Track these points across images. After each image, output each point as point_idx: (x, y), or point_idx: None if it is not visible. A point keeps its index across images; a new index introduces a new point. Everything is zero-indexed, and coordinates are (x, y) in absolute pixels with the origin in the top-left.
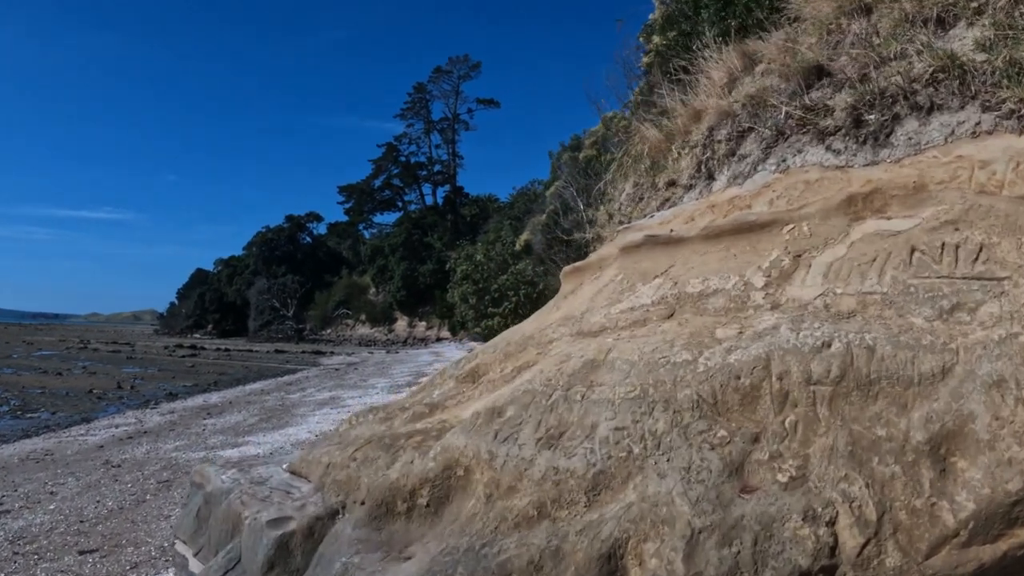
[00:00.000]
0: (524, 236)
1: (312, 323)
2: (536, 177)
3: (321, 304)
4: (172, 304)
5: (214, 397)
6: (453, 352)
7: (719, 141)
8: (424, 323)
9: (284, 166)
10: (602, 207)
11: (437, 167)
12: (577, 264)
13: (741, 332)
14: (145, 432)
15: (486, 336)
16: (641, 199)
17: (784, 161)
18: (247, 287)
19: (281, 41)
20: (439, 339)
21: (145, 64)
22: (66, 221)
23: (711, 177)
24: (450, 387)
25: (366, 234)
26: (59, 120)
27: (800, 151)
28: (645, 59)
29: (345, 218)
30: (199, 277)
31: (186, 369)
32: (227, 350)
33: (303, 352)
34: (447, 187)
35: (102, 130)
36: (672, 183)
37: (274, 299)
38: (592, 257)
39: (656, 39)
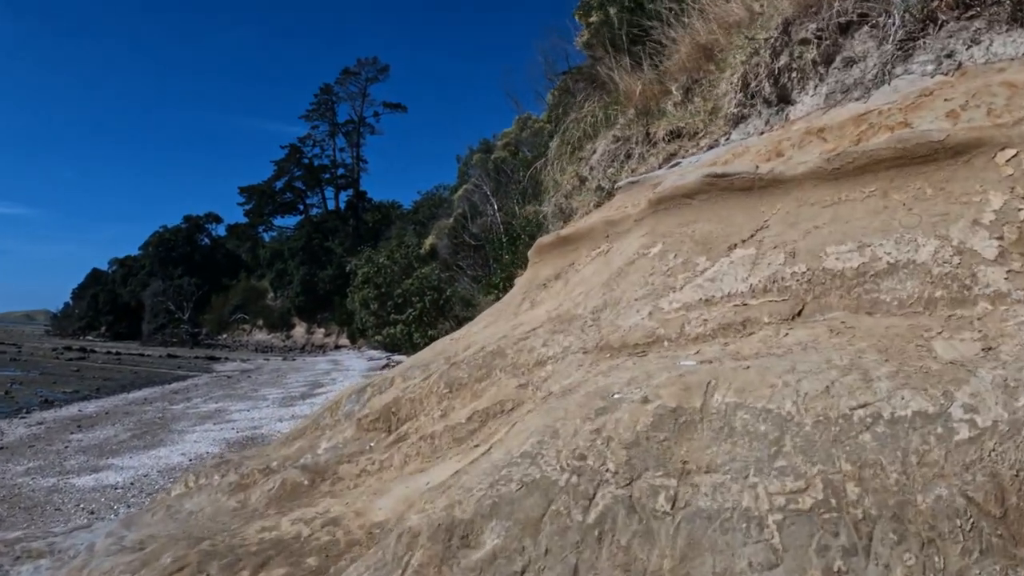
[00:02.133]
0: (429, 240)
1: (208, 327)
2: (442, 182)
3: (218, 308)
4: (66, 304)
5: (91, 406)
6: (352, 361)
7: (804, 42)
8: (323, 330)
9: (186, 165)
10: (567, 170)
11: (341, 171)
12: (561, 233)
13: (991, 347)
14: (1, 448)
15: (388, 345)
16: (629, 156)
17: (951, 57)
18: (142, 288)
19: (187, 37)
20: (338, 347)
21: (42, 52)
22: None
23: (785, 100)
24: (348, 436)
25: (266, 237)
26: None
27: (976, 41)
28: (582, 38)
29: (245, 220)
30: (94, 277)
31: (71, 373)
32: (118, 354)
33: (196, 357)
34: (350, 191)
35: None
36: (676, 133)
37: (169, 302)
38: (587, 221)
39: (595, 15)
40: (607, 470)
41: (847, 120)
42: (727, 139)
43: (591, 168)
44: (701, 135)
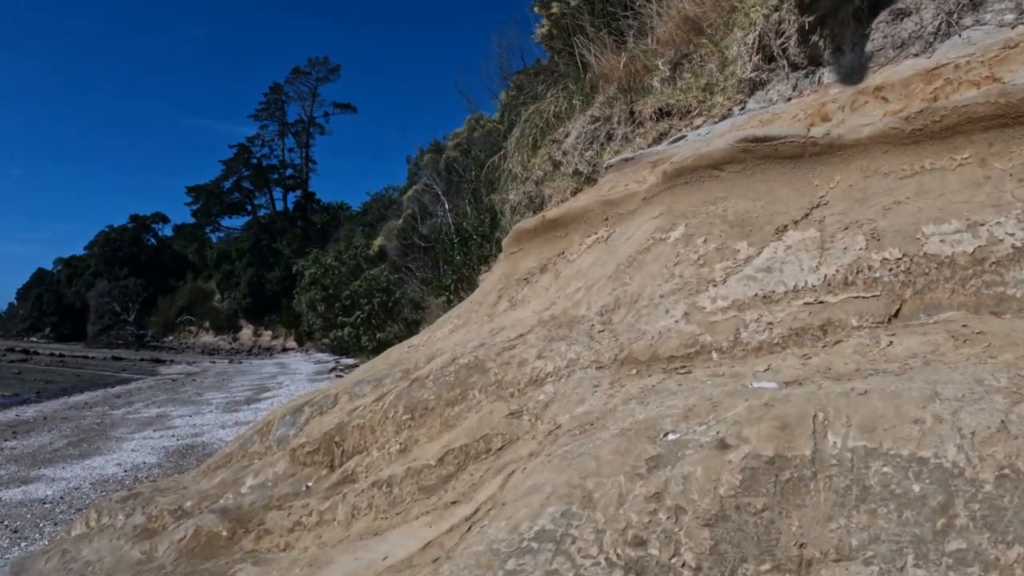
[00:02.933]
0: (378, 241)
1: (154, 329)
2: (392, 183)
3: (164, 309)
4: (10, 305)
5: (30, 411)
6: (300, 364)
7: None
8: (270, 332)
9: (134, 165)
10: (538, 154)
11: (289, 171)
12: (547, 216)
13: None
14: None
15: (335, 348)
16: (610, 137)
17: None
18: (87, 289)
19: (140, 37)
20: (285, 349)
21: None
22: None
23: (816, 61)
24: (280, 470)
25: (213, 238)
26: None
27: None
28: (542, 30)
29: (192, 220)
30: (39, 277)
31: (11, 376)
32: (61, 356)
33: (142, 360)
34: (299, 192)
35: None
36: (665, 111)
37: (115, 303)
38: (577, 202)
39: (555, 6)
40: (684, 566)
41: (913, 76)
42: (742, 108)
43: (564, 152)
44: (695, 112)
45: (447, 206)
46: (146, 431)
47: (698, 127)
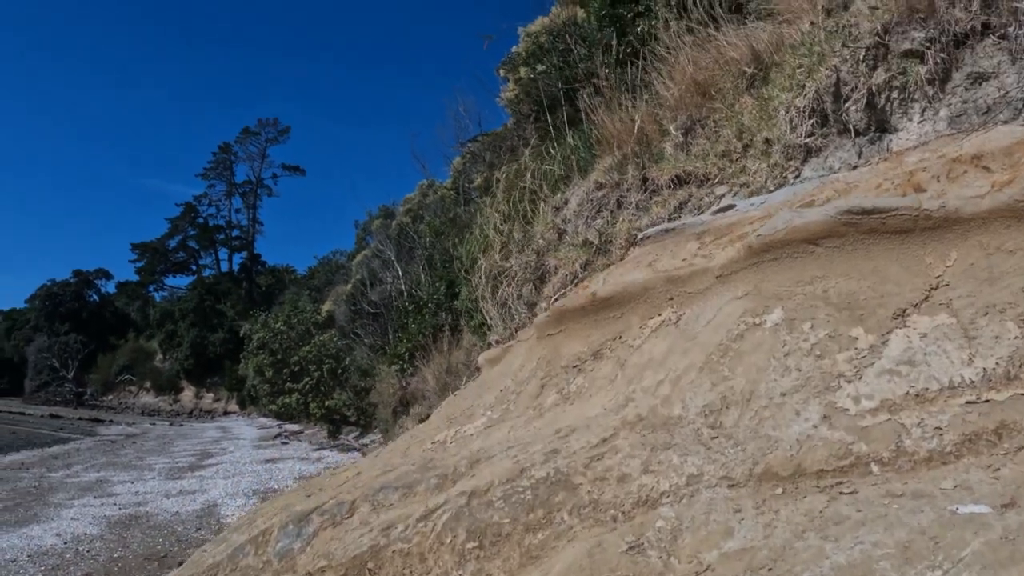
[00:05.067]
0: (327, 306)
1: (93, 387)
2: (339, 248)
3: (104, 367)
4: None
5: None
6: (243, 428)
7: (909, 55)
8: (212, 395)
9: (79, 220)
10: (539, 223)
11: (236, 232)
12: (598, 294)
13: None
14: None
15: (281, 414)
16: (621, 205)
17: None
18: (26, 343)
19: (90, 94)
20: (227, 413)
21: None
22: None
23: (882, 127)
24: None
25: (157, 297)
26: None
27: None
28: (508, 93)
29: (136, 278)
30: None
31: None
32: None
33: (80, 419)
34: (244, 253)
35: None
36: (683, 178)
37: (54, 358)
38: (630, 277)
39: (523, 71)
40: None
41: (1015, 145)
42: (796, 176)
43: (566, 220)
44: (715, 180)
45: (399, 272)
46: (86, 497)
47: (721, 195)
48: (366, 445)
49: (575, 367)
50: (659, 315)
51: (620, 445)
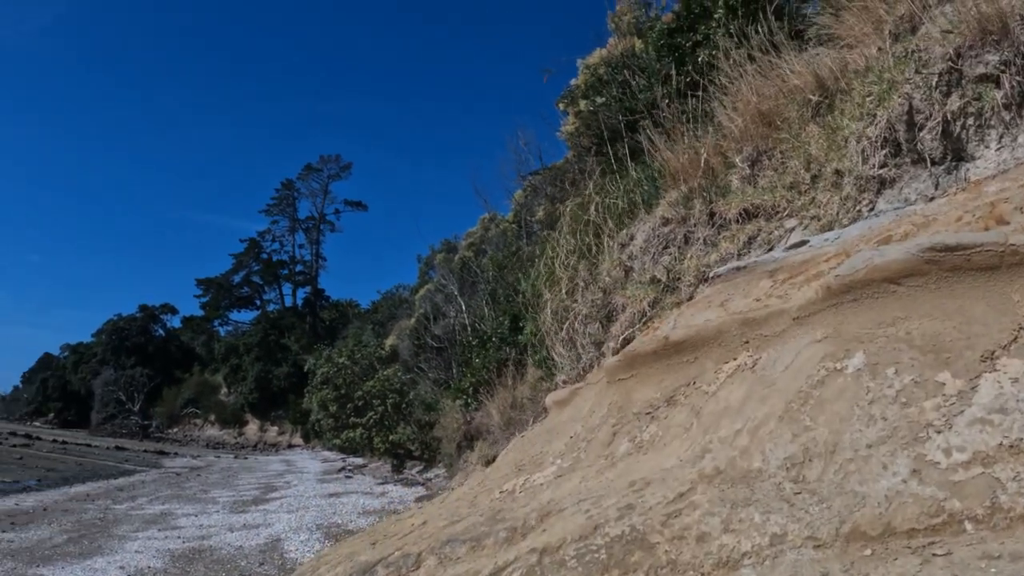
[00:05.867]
0: (390, 341)
1: (159, 420)
2: (402, 282)
3: (169, 401)
4: (15, 388)
5: (30, 500)
6: (307, 462)
7: (984, 79)
8: (276, 428)
9: (145, 256)
10: (604, 259)
11: (299, 267)
12: (671, 338)
13: None
14: None
15: (345, 448)
16: (688, 241)
17: None
18: (93, 377)
19: (168, 133)
20: (291, 446)
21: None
22: None
23: (958, 156)
24: None
25: (221, 331)
26: None
27: None
28: (568, 127)
29: (201, 313)
30: (45, 362)
31: (12, 461)
32: (64, 443)
33: (145, 451)
34: (308, 288)
35: None
36: (751, 212)
37: (120, 392)
38: (702, 319)
39: (583, 104)
40: None
41: None
42: (871, 209)
43: (631, 256)
44: (783, 213)
45: (462, 306)
46: (150, 530)
47: (791, 229)
48: (430, 479)
49: (648, 414)
50: (734, 359)
51: (698, 501)
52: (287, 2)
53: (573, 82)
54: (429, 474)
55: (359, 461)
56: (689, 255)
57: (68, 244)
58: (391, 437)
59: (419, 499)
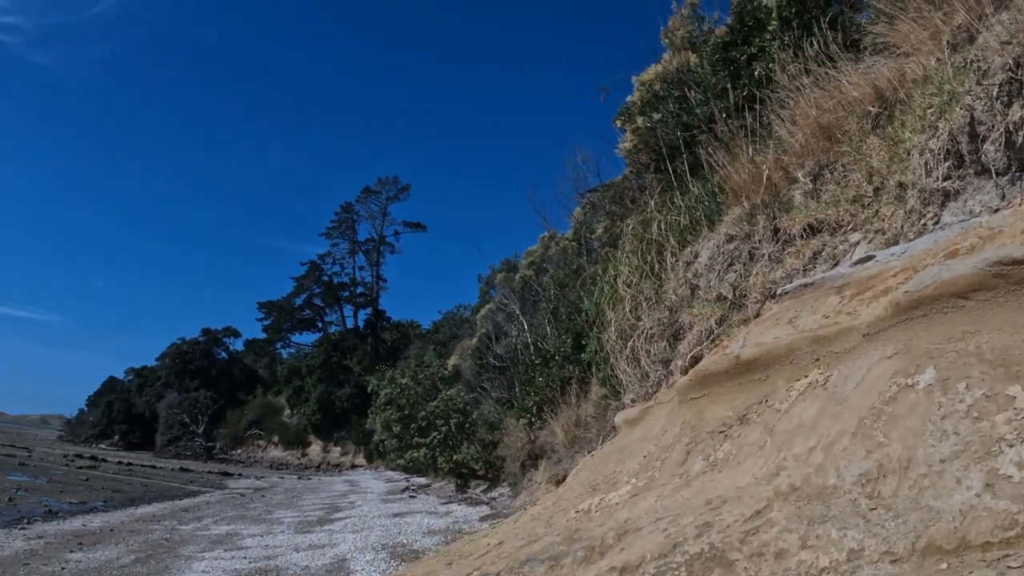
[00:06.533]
0: (453, 361)
1: (222, 441)
2: (463, 302)
3: (233, 422)
4: (81, 411)
5: (97, 520)
6: (371, 482)
7: None
8: (339, 448)
9: (207, 280)
10: (670, 277)
11: (360, 289)
12: (742, 356)
13: None
14: None
15: (408, 468)
16: (753, 257)
17: None
18: (157, 399)
19: (226, 159)
20: (354, 466)
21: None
22: None
23: (1021, 168)
24: None
25: (283, 353)
26: (2, 233)
27: None
28: (626, 144)
29: (263, 335)
30: (110, 385)
31: (79, 482)
32: (129, 464)
33: (210, 472)
34: (369, 310)
35: (41, 235)
36: (815, 227)
37: (184, 414)
38: (772, 337)
39: (640, 120)
40: None
41: None
42: (936, 222)
43: (696, 274)
44: (848, 227)
45: (524, 325)
46: (217, 550)
47: (856, 243)
48: (494, 498)
49: (721, 432)
50: (805, 377)
51: (775, 518)
52: (344, 30)
53: (629, 99)
54: (493, 493)
55: (422, 481)
56: (754, 272)
57: (131, 270)
58: (455, 457)
59: (483, 518)
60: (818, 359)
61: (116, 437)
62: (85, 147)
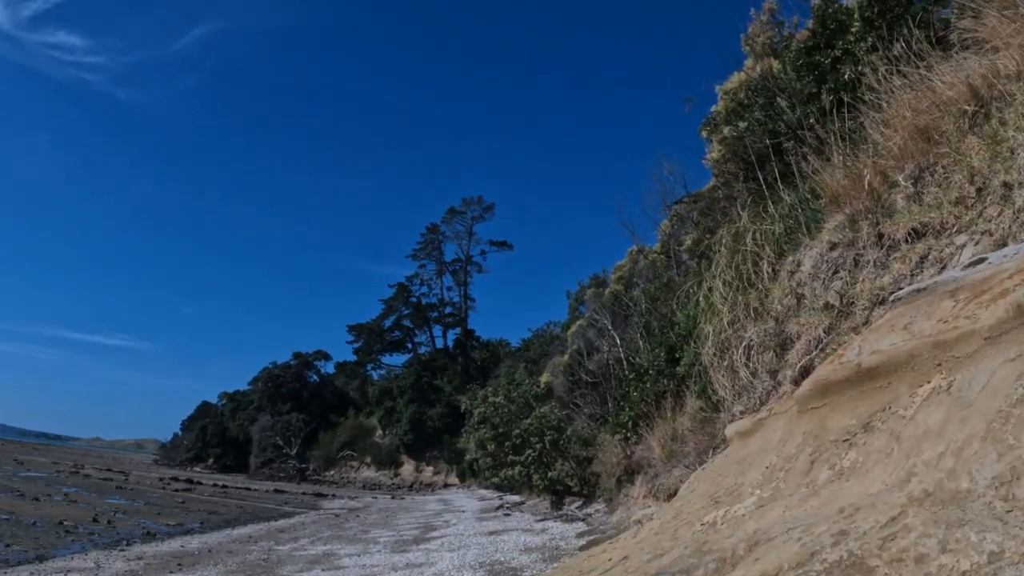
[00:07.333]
0: (544, 378)
1: (315, 463)
2: (552, 319)
3: (325, 444)
4: (175, 435)
5: (194, 542)
6: (464, 501)
7: None
8: (431, 468)
9: (297, 305)
10: (775, 285)
11: (448, 309)
12: (863, 365)
13: None
14: None
15: (502, 486)
16: (858, 264)
17: None
18: (250, 423)
19: (310, 184)
20: (447, 485)
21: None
22: (77, 344)
23: None
24: None
25: (374, 375)
26: (97, 264)
27: None
28: (713, 154)
29: (353, 358)
30: (203, 409)
31: (175, 505)
32: (224, 487)
33: (304, 493)
34: (458, 330)
35: (130, 264)
36: (919, 231)
37: (277, 436)
38: (891, 344)
39: (726, 130)
40: None
41: None
42: None
43: (800, 283)
44: (952, 230)
45: (616, 340)
46: (314, 570)
47: (962, 245)
48: (590, 514)
49: (845, 441)
50: (928, 383)
51: (912, 523)
52: (429, 57)
53: (713, 109)
54: (588, 509)
55: (516, 498)
56: (861, 278)
57: (220, 297)
58: (550, 474)
59: (580, 534)
60: (939, 364)
61: (210, 460)
62: (171, 178)
